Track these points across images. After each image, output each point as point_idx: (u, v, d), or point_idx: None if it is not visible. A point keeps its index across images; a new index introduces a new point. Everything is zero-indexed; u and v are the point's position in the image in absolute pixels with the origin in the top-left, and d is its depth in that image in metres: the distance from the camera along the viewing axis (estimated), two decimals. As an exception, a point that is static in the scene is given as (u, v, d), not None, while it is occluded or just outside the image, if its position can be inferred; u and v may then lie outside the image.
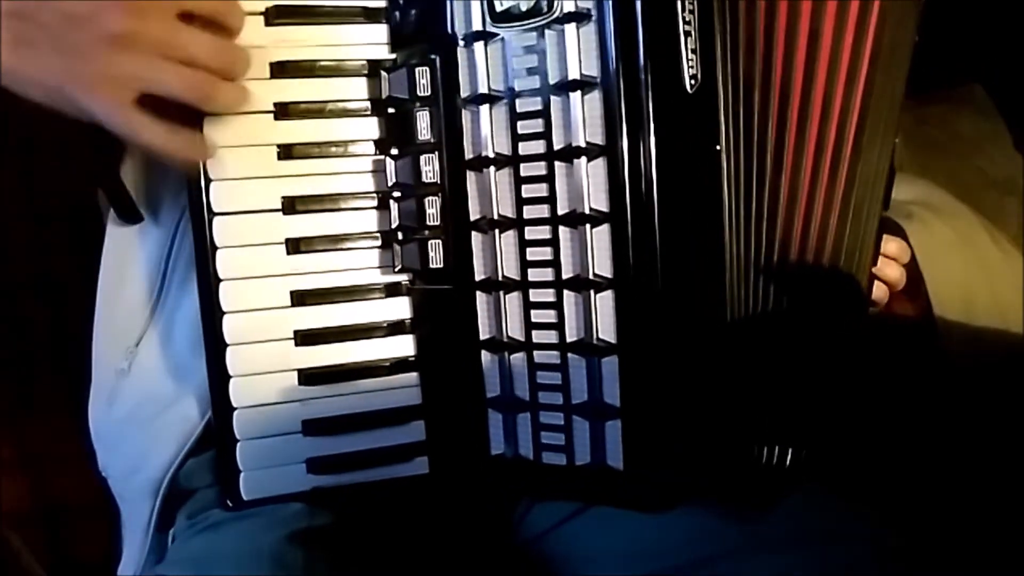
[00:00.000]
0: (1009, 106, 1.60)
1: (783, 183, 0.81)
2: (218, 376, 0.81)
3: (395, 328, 0.84)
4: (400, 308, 0.84)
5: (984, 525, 1.12)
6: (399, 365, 0.84)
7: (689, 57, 0.73)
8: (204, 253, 0.80)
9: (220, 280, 0.80)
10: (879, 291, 0.97)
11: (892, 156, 0.90)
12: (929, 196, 1.51)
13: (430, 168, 0.80)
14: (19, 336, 1.24)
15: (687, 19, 0.73)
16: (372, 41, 0.83)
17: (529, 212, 0.76)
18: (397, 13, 0.81)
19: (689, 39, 0.73)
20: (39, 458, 1.30)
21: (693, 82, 0.73)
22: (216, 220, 0.80)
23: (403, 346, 0.85)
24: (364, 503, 0.87)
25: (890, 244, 0.97)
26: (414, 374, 0.85)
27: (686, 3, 0.72)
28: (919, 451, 1.32)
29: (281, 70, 0.81)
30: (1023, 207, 1.55)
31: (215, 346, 0.80)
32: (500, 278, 0.78)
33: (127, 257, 0.94)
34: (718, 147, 0.75)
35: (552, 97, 0.74)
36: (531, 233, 0.76)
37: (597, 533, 0.91)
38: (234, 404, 0.81)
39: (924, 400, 1.37)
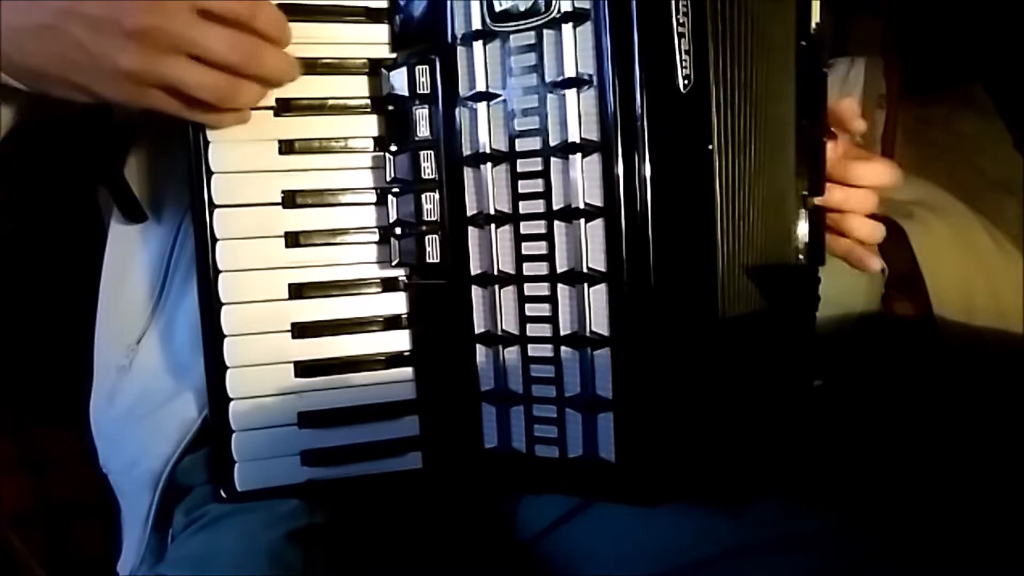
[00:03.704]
0: (1009, 106, 1.61)
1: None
2: (215, 367, 0.81)
3: (391, 323, 0.85)
4: (396, 303, 0.85)
5: (984, 526, 1.12)
6: (394, 360, 0.85)
7: (683, 58, 0.74)
8: (204, 245, 0.80)
9: (219, 271, 0.81)
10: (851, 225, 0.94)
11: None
12: (929, 196, 1.52)
13: (428, 164, 0.81)
14: (19, 336, 1.24)
15: (681, 21, 0.74)
16: (373, 40, 0.84)
17: (524, 207, 0.77)
18: (398, 14, 0.82)
19: (683, 40, 0.74)
20: (39, 458, 1.30)
21: (686, 82, 0.74)
22: (217, 212, 0.80)
23: (399, 341, 0.85)
24: (358, 497, 0.88)
25: (862, 167, 0.93)
26: (409, 369, 0.85)
27: (680, 5, 0.73)
28: (917, 451, 1.33)
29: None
30: (1023, 207, 1.55)
31: (213, 337, 0.81)
32: (495, 272, 0.79)
33: (130, 255, 0.95)
34: (710, 146, 0.76)
35: (548, 95, 0.75)
36: (526, 228, 0.77)
37: (595, 534, 0.91)
38: (230, 395, 0.81)
39: (923, 399, 1.38)
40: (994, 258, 1.50)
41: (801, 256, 0.88)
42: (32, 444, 1.29)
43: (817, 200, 0.89)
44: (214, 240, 0.80)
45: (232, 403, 0.82)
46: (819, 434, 0.92)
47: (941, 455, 1.32)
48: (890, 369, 1.41)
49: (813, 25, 0.88)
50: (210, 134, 0.80)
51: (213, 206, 0.80)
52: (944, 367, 1.41)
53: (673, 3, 0.73)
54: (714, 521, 0.86)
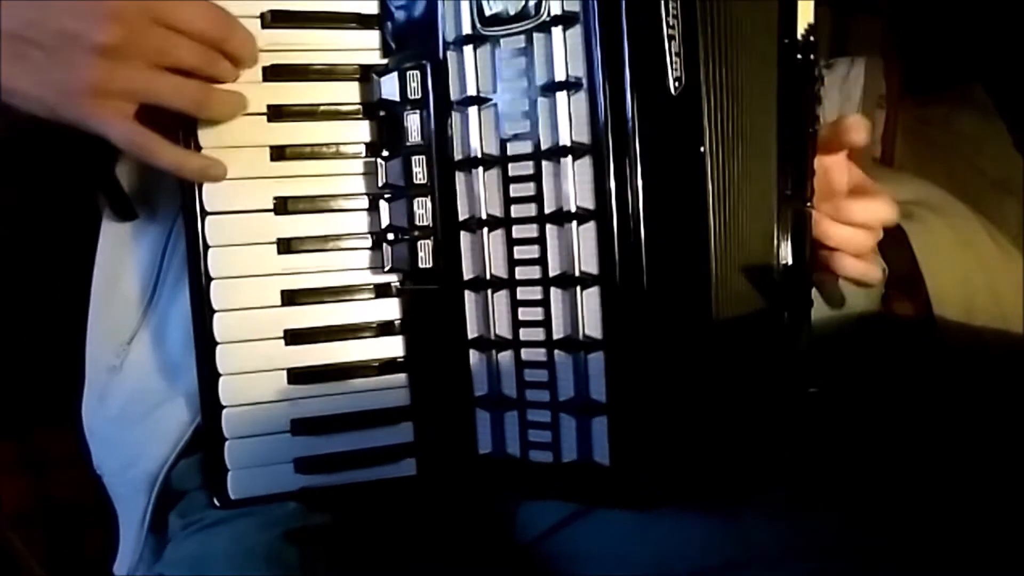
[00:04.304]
0: (1009, 106, 1.61)
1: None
2: (208, 374, 0.81)
3: (384, 329, 0.85)
4: (389, 309, 0.85)
5: (984, 526, 1.12)
6: (388, 366, 0.85)
7: (673, 60, 0.74)
8: (196, 252, 0.80)
9: (211, 279, 0.80)
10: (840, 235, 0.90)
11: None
12: (929, 196, 1.52)
13: (420, 169, 0.81)
14: (19, 337, 1.24)
15: (671, 24, 0.74)
16: (365, 47, 0.84)
17: (516, 211, 0.77)
18: (390, 20, 0.83)
19: (673, 43, 0.74)
20: (39, 458, 1.30)
21: (677, 84, 0.74)
22: (208, 219, 0.80)
23: (392, 347, 0.85)
24: (353, 505, 0.87)
25: (856, 205, 0.90)
26: (403, 375, 0.85)
27: (670, 8, 0.73)
28: (917, 451, 1.33)
29: (275, 73, 0.81)
30: (1023, 207, 1.55)
31: (205, 344, 0.81)
32: (488, 277, 0.78)
33: (122, 255, 0.95)
34: (702, 148, 0.76)
35: (539, 98, 0.75)
36: (518, 232, 0.77)
37: (595, 537, 0.91)
38: (223, 402, 0.81)
39: (923, 400, 1.37)
40: (994, 258, 1.50)
41: (788, 260, 0.87)
42: (32, 444, 1.30)
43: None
44: (206, 247, 0.80)
45: (225, 411, 0.81)
46: (819, 435, 0.92)
47: (941, 455, 1.31)
48: (890, 369, 1.41)
49: (806, 25, 0.87)
50: (202, 139, 0.79)
51: (205, 213, 0.80)
52: (944, 367, 1.40)
53: (663, 6, 0.73)
54: (715, 530, 0.85)
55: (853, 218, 0.89)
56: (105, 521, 1.03)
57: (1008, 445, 1.28)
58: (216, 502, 0.83)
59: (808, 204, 0.87)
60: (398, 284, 0.84)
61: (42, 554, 1.29)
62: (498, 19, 0.76)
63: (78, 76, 0.71)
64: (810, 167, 0.87)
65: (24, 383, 1.27)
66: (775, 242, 0.86)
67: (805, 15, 0.87)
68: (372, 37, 0.84)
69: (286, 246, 0.82)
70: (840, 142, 0.89)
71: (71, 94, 0.72)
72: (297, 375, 0.83)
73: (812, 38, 0.88)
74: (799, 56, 0.87)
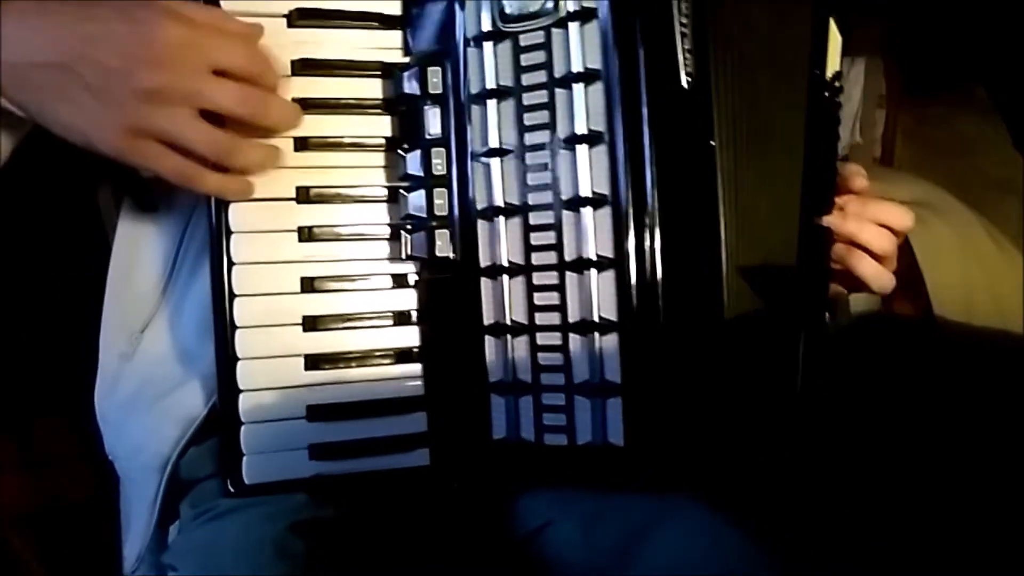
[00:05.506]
0: (1009, 106, 1.61)
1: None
2: (226, 358, 0.82)
3: (401, 318, 0.86)
4: (407, 299, 0.86)
5: (984, 526, 1.13)
6: (404, 355, 0.86)
7: (685, 56, 0.77)
8: (218, 237, 0.81)
9: (233, 264, 0.82)
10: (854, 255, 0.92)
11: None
12: (929, 196, 1.52)
13: (439, 161, 0.83)
14: (19, 335, 1.24)
15: (683, 21, 0.77)
16: (387, 46, 0.86)
17: (533, 199, 0.79)
18: (411, 19, 0.85)
19: (685, 39, 0.77)
20: (39, 458, 1.29)
21: (689, 79, 0.77)
22: (232, 206, 0.81)
23: (408, 336, 0.86)
24: (365, 493, 0.88)
25: (883, 210, 0.92)
26: (418, 365, 0.86)
27: (682, 7, 0.77)
28: (917, 451, 1.33)
29: (300, 68, 0.83)
30: (1023, 207, 1.56)
31: (224, 329, 0.82)
32: (505, 264, 0.80)
33: (139, 244, 0.96)
34: (713, 142, 0.78)
35: (557, 89, 0.77)
36: (535, 218, 0.79)
37: (584, 537, 0.92)
38: (240, 386, 0.82)
39: (923, 399, 1.38)
40: (994, 258, 1.50)
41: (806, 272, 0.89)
42: (32, 443, 1.29)
43: (826, 221, 0.89)
44: (229, 232, 0.81)
45: (242, 395, 0.82)
46: (819, 434, 0.93)
47: (941, 455, 1.32)
48: (890, 369, 1.41)
49: (832, 71, 0.91)
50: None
51: (228, 200, 0.81)
52: (944, 367, 1.41)
53: (675, 4, 0.76)
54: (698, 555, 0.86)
55: (879, 216, 0.91)
56: (106, 521, 1.03)
57: (1008, 445, 1.28)
58: (230, 487, 0.83)
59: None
60: (416, 274, 0.86)
61: (42, 554, 1.28)
62: (517, 16, 0.79)
63: (119, 115, 0.72)
64: (832, 185, 0.90)
65: (25, 383, 1.27)
66: (795, 250, 0.87)
67: (832, 62, 0.91)
68: (394, 37, 0.86)
69: (307, 234, 0.83)
70: (844, 187, 0.92)
71: (109, 132, 0.73)
72: (314, 361, 0.84)
73: (838, 84, 0.91)
74: (827, 94, 0.90)
